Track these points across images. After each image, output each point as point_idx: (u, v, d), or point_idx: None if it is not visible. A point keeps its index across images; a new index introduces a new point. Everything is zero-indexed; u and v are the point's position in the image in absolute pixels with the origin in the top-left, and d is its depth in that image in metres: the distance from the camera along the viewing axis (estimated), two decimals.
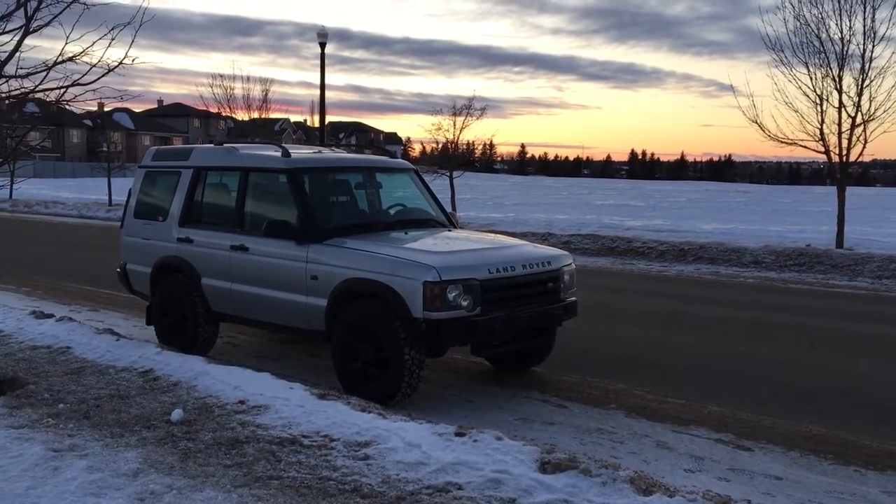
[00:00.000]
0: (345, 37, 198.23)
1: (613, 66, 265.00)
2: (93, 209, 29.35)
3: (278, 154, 7.36)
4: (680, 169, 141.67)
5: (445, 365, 7.67)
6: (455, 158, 22.94)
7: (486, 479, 3.99)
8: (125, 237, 8.59)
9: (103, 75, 6.47)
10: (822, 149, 15.72)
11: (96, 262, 14.16)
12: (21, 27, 6.17)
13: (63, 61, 6.33)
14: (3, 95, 6.28)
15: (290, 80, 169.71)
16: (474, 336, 6.30)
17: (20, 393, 5.66)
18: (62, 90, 6.21)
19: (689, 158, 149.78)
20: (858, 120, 15.34)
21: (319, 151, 8.41)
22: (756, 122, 15.94)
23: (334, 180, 7.75)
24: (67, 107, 6.76)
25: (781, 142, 15.84)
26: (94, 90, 6.43)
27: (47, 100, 6.61)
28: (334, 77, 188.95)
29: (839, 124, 15.47)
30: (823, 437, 5.87)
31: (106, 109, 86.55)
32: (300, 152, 7.80)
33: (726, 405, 6.58)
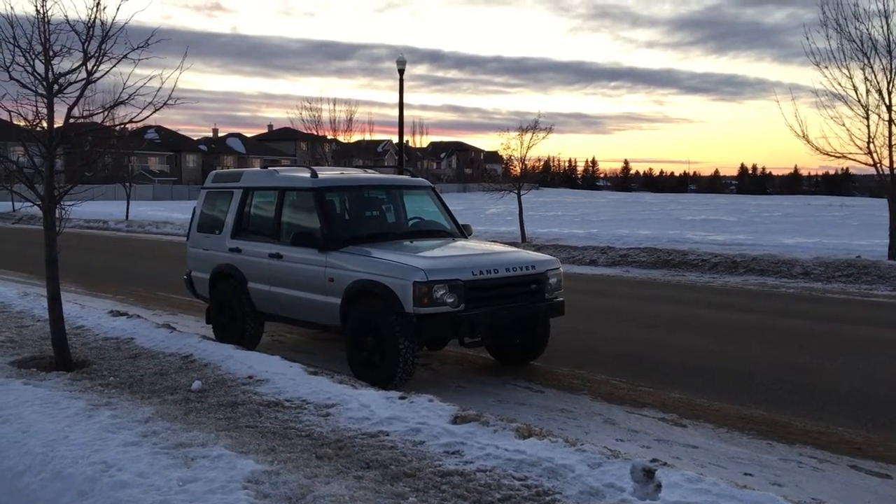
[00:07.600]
0: (437, 58, 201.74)
1: (714, 77, 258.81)
2: None
3: (308, 175, 8.61)
4: (793, 183, 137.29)
5: (454, 359, 8.72)
6: (524, 176, 23.90)
7: (409, 428, 5.04)
8: (190, 248, 10.03)
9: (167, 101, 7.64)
10: (871, 162, 15.94)
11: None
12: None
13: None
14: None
15: (390, 101, 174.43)
16: (459, 329, 7.33)
17: (85, 371, 7.05)
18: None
19: (804, 172, 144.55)
20: None
21: (342, 172, 9.64)
22: (803, 137, 16.33)
23: (354, 197, 8.93)
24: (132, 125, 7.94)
25: (829, 155, 16.17)
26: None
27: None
28: (431, 98, 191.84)
29: (889, 137, 15.69)
30: (759, 419, 6.59)
31: (220, 135, 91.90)
32: (328, 173, 9.04)
33: (688, 393, 7.35)
